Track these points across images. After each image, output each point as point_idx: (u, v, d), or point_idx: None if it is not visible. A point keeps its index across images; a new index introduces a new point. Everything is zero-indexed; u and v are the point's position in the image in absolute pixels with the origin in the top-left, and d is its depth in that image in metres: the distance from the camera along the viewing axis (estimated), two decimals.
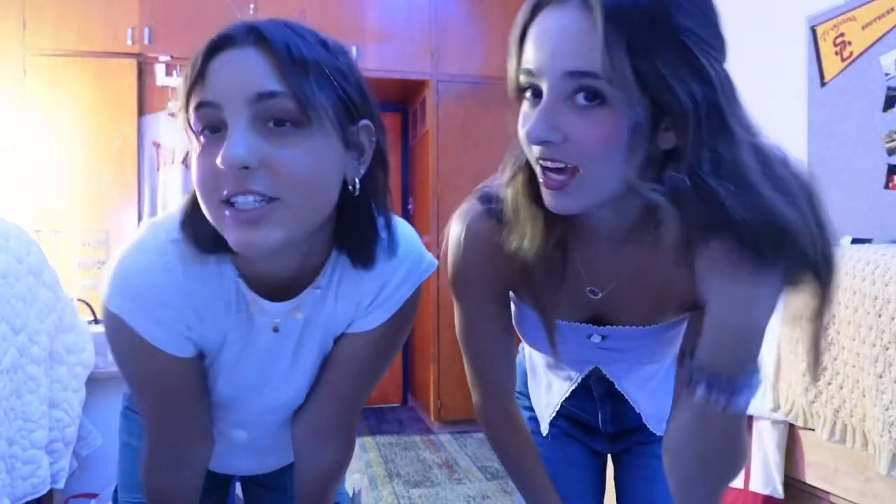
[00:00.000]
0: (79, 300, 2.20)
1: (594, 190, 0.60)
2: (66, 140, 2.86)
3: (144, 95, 2.98)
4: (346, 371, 0.81)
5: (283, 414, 0.85)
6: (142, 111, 2.97)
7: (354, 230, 0.72)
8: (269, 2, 3.07)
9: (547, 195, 0.61)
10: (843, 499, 1.50)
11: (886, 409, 1.31)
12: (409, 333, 0.85)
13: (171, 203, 2.95)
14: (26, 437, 1.46)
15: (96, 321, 2.21)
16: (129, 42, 2.94)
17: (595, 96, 0.55)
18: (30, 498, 1.47)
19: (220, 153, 0.57)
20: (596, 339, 0.79)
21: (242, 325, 0.74)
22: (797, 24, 2.57)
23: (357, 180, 0.67)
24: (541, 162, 0.60)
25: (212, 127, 0.60)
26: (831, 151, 2.39)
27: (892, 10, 2.13)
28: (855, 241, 2.07)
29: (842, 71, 2.35)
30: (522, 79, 0.61)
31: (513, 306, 0.83)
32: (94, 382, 1.84)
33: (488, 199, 0.76)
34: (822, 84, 2.44)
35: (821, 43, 2.44)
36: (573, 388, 0.91)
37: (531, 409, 1.01)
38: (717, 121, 0.56)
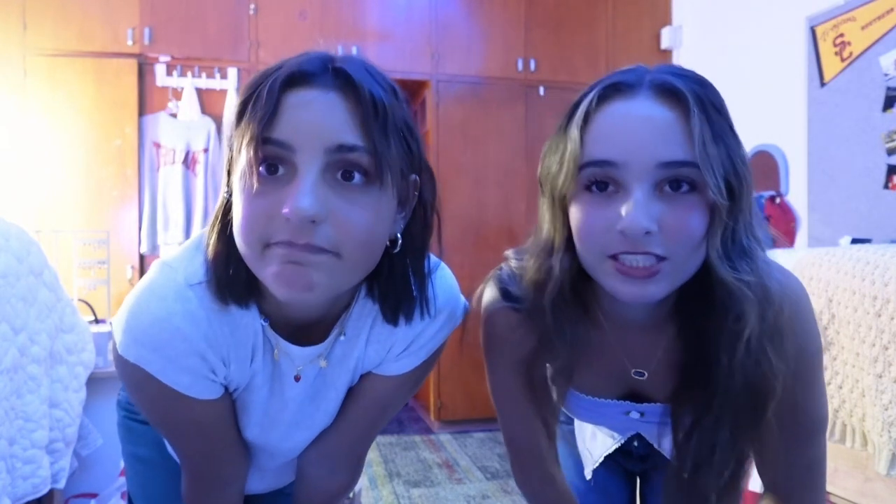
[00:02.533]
0: (79, 300, 2.20)
1: (681, 276, 0.60)
2: (66, 140, 2.86)
3: (145, 95, 2.98)
4: (366, 406, 0.79)
5: (304, 445, 0.84)
6: (142, 111, 2.97)
7: (389, 286, 0.68)
8: (270, 2, 3.07)
9: (626, 285, 0.59)
10: (842, 498, 1.50)
11: (886, 409, 1.32)
12: (430, 372, 0.83)
13: (172, 203, 2.95)
14: (27, 437, 1.46)
15: (96, 321, 2.21)
16: (130, 42, 2.94)
17: (685, 185, 0.57)
18: (30, 498, 1.47)
19: (288, 200, 0.53)
20: (634, 415, 0.78)
21: (268, 368, 0.72)
22: (797, 24, 2.57)
23: (399, 235, 0.64)
24: (625, 256, 0.58)
25: (272, 166, 0.56)
26: (831, 151, 2.39)
27: (892, 10, 2.14)
28: (855, 241, 2.07)
29: (841, 71, 2.35)
30: (592, 170, 0.59)
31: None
32: (94, 382, 1.84)
33: (513, 297, 0.72)
34: (822, 84, 2.44)
35: (820, 43, 2.44)
36: (616, 446, 0.90)
37: (571, 422, 1.00)
38: (749, 204, 0.60)
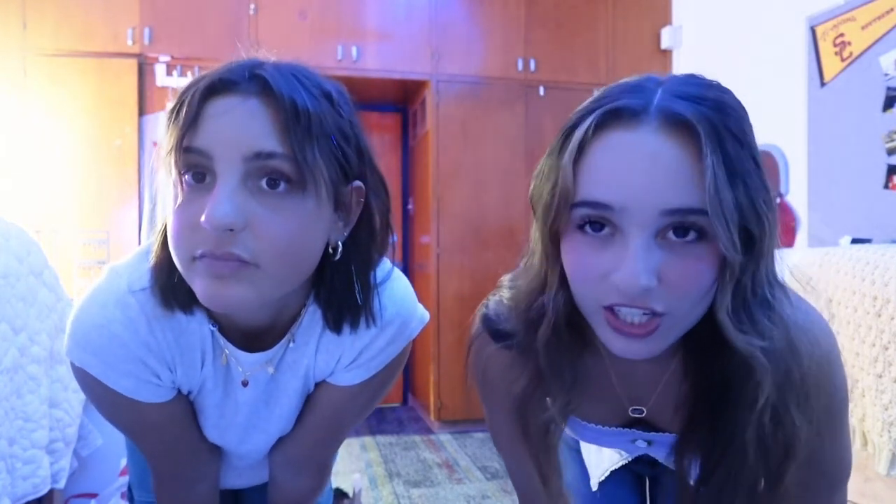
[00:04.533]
0: None
1: (680, 330, 0.53)
2: (66, 140, 2.86)
3: (145, 95, 2.98)
4: (324, 416, 0.79)
5: (265, 447, 0.84)
6: (142, 111, 2.97)
7: (332, 294, 0.67)
8: (270, 2, 3.07)
9: (619, 341, 0.53)
10: None
11: (886, 409, 1.32)
12: (391, 385, 0.81)
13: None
14: (27, 437, 1.46)
15: None
16: (130, 42, 2.94)
17: (693, 232, 0.49)
18: (30, 498, 1.47)
19: (206, 210, 0.53)
20: (641, 444, 0.74)
21: (219, 372, 0.72)
22: (797, 24, 2.57)
23: (340, 243, 0.63)
24: (620, 309, 0.52)
25: (197, 174, 0.56)
26: (831, 151, 2.39)
27: (892, 10, 2.14)
28: (855, 241, 2.07)
29: (841, 71, 2.35)
30: (585, 211, 0.51)
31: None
32: None
33: (503, 335, 0.67)
34: (822, 84, 2.44)
35: (820, 43, 2.44)
36: (623, 463, 0.88)
37: None
38: (772, 248, 0.53)
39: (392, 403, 4.06)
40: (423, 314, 0.77)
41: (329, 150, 0.58)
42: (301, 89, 0.57)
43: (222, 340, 0.69)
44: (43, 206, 2.81)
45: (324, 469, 0.86)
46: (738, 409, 0.54)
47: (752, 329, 0.51)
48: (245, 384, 0.72)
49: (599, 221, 0.51)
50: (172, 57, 2.98)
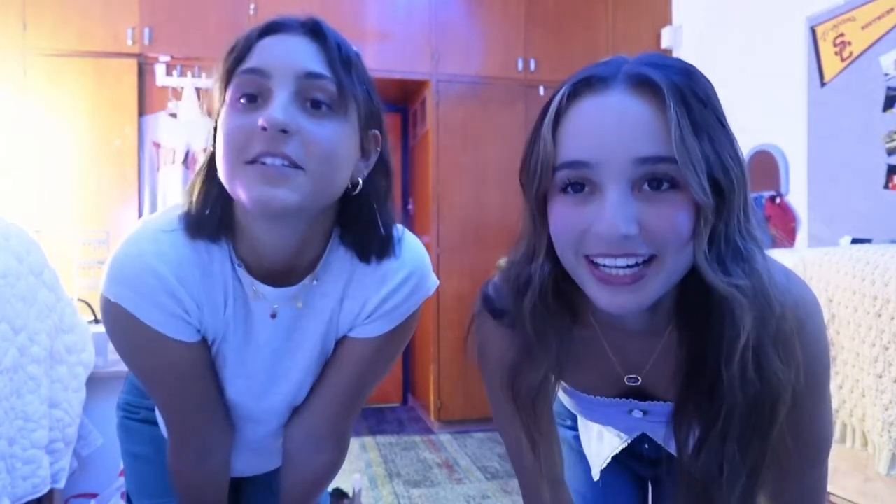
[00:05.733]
0: (79, 300, 2.20)
1: (667, 281, 0.56)
2: (66, 140, 2.86)
3: (144, 95, 2.98)
4: (345, 373, 0.82)
5: (286, 412, 0.85)
6: (142, 111, 2.97)
7: (357, 224, 0.75)
8: (269, 2, 3.07)
9: (607, 294, 0.56)
10: (842, 498, 1.50)
11: (886, 409, 1.32)
12: (405, 345, 0.87)
13: (171, 203, 2.95)
14: (27, 437, 1.46)
15: (96, 321, 2.21)
16: (129, 42, 2.94)
17: (665, 183, 0.53)
18: (30, 498, 1.47)
19: (263, 115, 0.61)
20: (637, 414, 0.76)
21: (240, 312, 0.75)
22: (797, 24, 2.57)
23: (360, 180, 0.72)
24: (604, 263, 0.55)
25: (251, 95, 0.64)
26: (831, 151, 2.39)
27: (892, 10, 2.14)
28: (855, 241, 2.07)
29: (842, 71, 2.35)
30: (566, 173, 0.56)
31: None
32: (94, 382, 1.84)
33: (500, 313, 0.70)
34: (822, 84, 2.44)
35: (821, 43, 2.44)
36: (623, 446, 0.88)
37: (575, 428, 0.99)
38: (742, 201, 0.56)
39: (392, 403, 4.06)
40: (435, 280, 0.84)
41: (362, 88, 0.69)
42: (342, 39, 0.68)
43: (246, 277, 0.73)
44: (43, 206, 2.81)
45: (343, 442, 0.88)
46: (721, 351, 0.57)
47: (728, 271, 0.55)
48: (274, 316, 0.76)
49: (580, 181, 0.55)
50: (172, 57, 2.98)
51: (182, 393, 0.77)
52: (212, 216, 0.70)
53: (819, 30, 2.43)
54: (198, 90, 2.99)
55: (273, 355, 0.79)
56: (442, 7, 3.36)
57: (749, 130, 2.69)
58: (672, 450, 0.83)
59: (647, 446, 0.91)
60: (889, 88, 2.14)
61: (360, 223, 0.75)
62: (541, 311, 0.63)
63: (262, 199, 0.61)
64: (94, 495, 1.90)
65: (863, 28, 2.24)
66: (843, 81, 2.33)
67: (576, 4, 3.47)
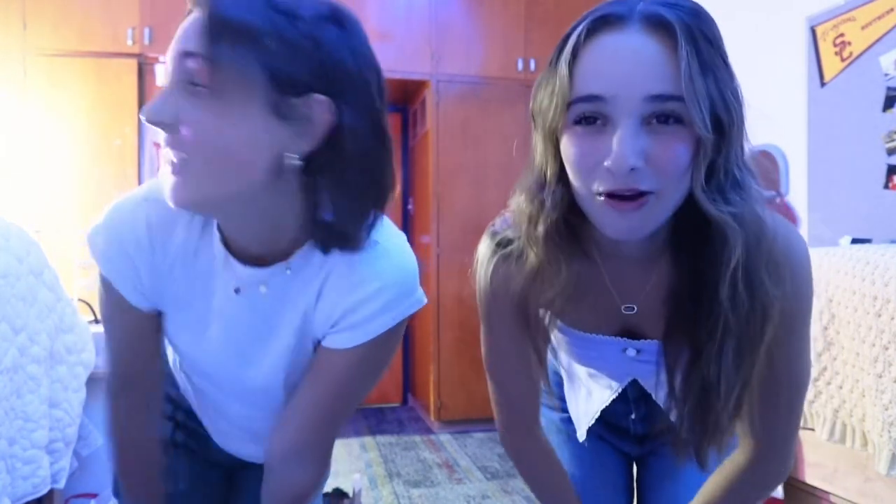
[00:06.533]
0: (79, 300, 2.20)
1: (666, 210, 0.60)
2: (66, 140, 2.86)
3: (144, 95, 2.98)
4: (319, 385, 0.78)
5: (265, 397, 0.84)
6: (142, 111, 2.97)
7: (311, 209, 0.69)
8: None
9: (614, 218, 0.59)
10: (842, 498, 1.50)
11: (886, 409, 1.32)
12: (388, 364, 0.82)
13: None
14: (27, 437, 1.46)
15: (96, 321, 2.21)
16: (130, 42, 2.94)
17: (672, 119, 0.56)
18: (30, 498, 1.47)
19: (148, 106, 0.62)
20: (631, 352, 0.79)
21: (200, 280, 0.76)
22: (797, 24, 2.57)
23: (298, 157, 0.65)
24: (612, 190, 0.58)
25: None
26: (831, 151, 2.39)
27: (892, 10, 2.14)
28: (855, 241, 2.07)
29: (841, 71, 2.35)
30: (580, 106, 0.58)
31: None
32: (94, 382, 1.84)
33: (506, 243, 0.74)
34: (822, 84, 2.44)
35: (821, 43, 2.44)
36: (614, 397, 0.90)
37: (566, 410, 1.00)
38: (740, 136, 0.60)
39: (392, 403, 4.06)
40: (421, 295, 0.78)
41: (257, 55, 0.60)
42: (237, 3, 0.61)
43: (220, 247, 0.74)
44: (43, 206, 2.81)
45: (323, 462, 0.84)
46: (715, 273, 0.61)
47: (723, 202, 0.59)
48: (237, 291, 0.75)
49: (593, 115, 0.58)
50: None
51: (122, 334, 0.82)
52: None
53: (819, 30, 2.43)
54: None
55: (241, 334, 0.78)
56: (442, 7, 3.36)
57: (749, 130, 2.68)
58: (661, 399, 0.85)
59: (633, 417, 0.94)
60: (889, 88, 2.14)
61: (309, 208, 0.68)
62: (553, 234, 0.66)
63: (168, 193, 0.64)
64: (94, 495, 1.90)
65: (863, 28, 2.24)
66: (843, 81, 2.33)
67: (576, 4, 3.45)
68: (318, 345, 0.80)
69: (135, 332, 0.81)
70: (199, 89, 0.60)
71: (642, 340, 0.78)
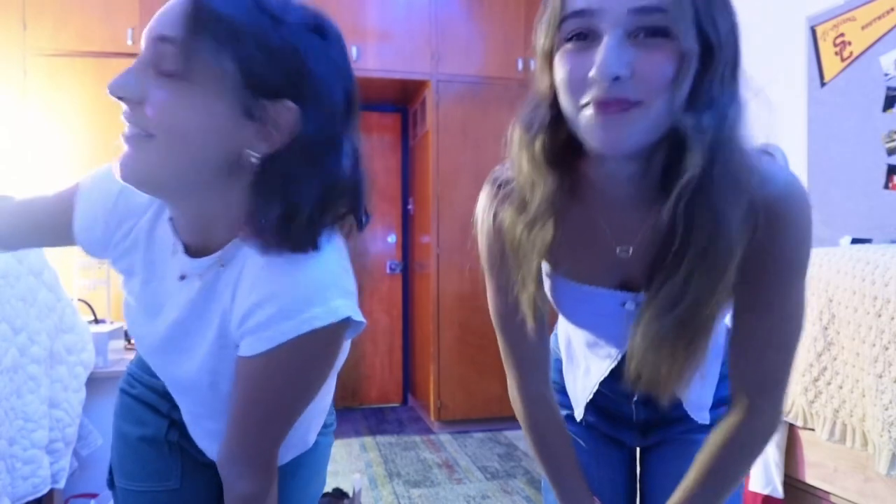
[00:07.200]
0: (79, 300, 2.20)
1: (652, 124, 0.60)
2: (65, 140, 2.86)
3: None
4: (240, 394, 0.74)
5: (197, 394, 0.81)
6: None
7: (254, 208, 0.68)
8: None
9: (600, 128, 0.60)
10: (842, 498, 1.50)
11: (886, 409, 1.32)
12: (317, 381, 0.76)
13: None
14: (27, 437, 1.46)
15: (96, 321, 2.21)
16: (129, 42, 2.93)
17: (658, 32, 0.58)
18: (30, 497, 1.48)
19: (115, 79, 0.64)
20: (630, 306, 0.78)
21: (156, 264, 0.77)
22: (797, 24, 2.57)
23: (256, 156, 0.65)
24: (598, 98, 0.59)
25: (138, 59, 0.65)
26: (831, 151, 2.39)
27: (892, 10, 2.14)
28: (855, 241, 2.07)
29: (842, 71, 2.35)
30: (570, 22, 0.60)
31: (547, 280, 0.82)
32: (94, 382, 1.84)
33: (506, 183, 0.77)
34: (822, 84, 2.44)
35: (821, 43, 2.44)
36: (613, 366, 0.89)
37: (564, 405, 0.99)
38: (734, 58, 0.61)
39: (392, 403, 4.06)
40: (337, 309, 0.68)
41: (233, 52, 0.61)
42: None
43: (174, 235, 0.75)
44: None
45: (262, 469, 0.79)
46: (674, 186, 0.62)
47: (692, 117, 0.60)
48: (182, 278, 0.75)
49: (582, 31, 0.60)
50: None
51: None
52: None
53: (819, 30, 2.43)
54: None
55: (178, 324, 0.77)
56: (442, 7, 3.36)
57: (749, 131, 2.68)
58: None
59: (635, 399, 0.93)
60: (889, 88, 2.14)
61: (254, 208, 0.67)
62: (540, 159, 0.68)
63: (117, 165, 0.65)
64: (94, 495, 1.90)
65: (863, 28, 2.23)
66: (843, 81, 2.33)
67: None
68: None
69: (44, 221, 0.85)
70: (167, 72, 0.61)
71: (641, 294, 0.77)
